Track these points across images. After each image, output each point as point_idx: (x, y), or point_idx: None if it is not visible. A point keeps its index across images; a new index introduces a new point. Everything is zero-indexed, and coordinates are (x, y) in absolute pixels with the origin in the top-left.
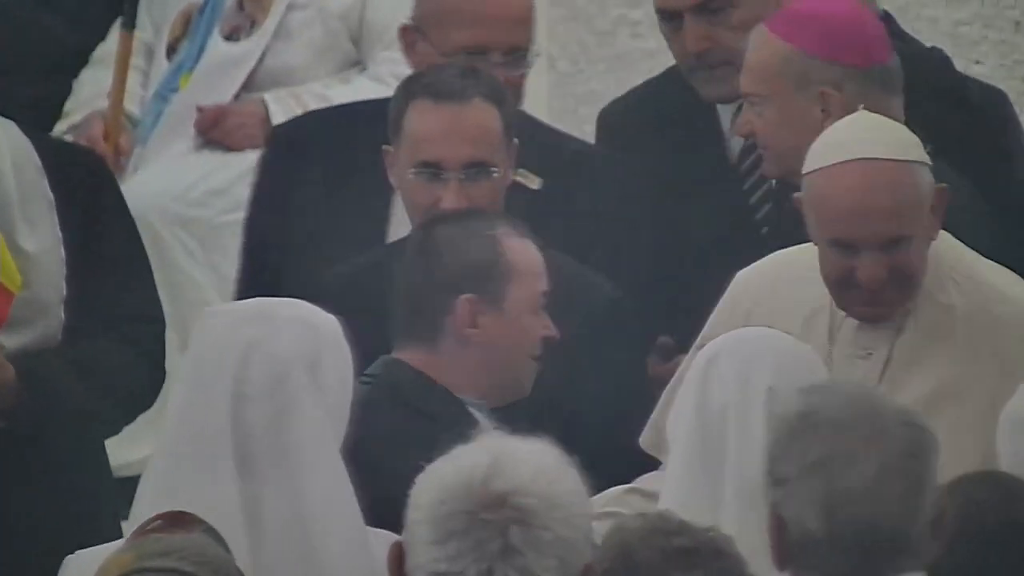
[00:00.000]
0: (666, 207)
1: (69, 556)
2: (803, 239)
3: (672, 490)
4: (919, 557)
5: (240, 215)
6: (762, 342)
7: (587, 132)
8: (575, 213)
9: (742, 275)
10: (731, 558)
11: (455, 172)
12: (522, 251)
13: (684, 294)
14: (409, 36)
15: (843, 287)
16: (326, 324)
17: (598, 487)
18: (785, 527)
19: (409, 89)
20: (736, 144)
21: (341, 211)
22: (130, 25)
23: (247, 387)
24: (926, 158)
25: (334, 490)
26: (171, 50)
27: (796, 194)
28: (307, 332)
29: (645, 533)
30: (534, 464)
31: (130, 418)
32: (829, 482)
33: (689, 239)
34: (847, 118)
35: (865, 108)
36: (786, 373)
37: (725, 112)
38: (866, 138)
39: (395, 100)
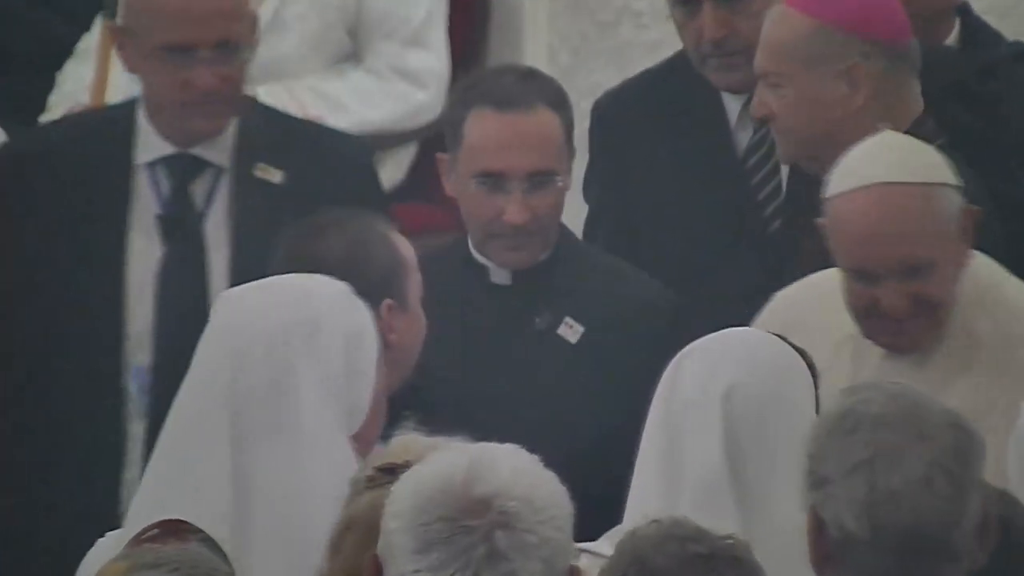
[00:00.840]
0: (666, 202)
1: (100, 539)
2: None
3: (636, 486)
4: (963, 564)
5: None
6: (734, 342)
7: None
8: (320, 204)
9: (780, 295)
10: (749, 566)
11: (518, 182)
12: (405, 244)
13: (689, 294)
14: (116, 37)
15: (866, 316)
16: (327, 292)
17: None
18: (825, 528)
19: (468, 96)
20: (744, 138)
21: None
22: (113, 15)
23: (245, 359)
24: (952, 179)
25: (331, 459)
26: None
27: (819, 220)
28: (303, 300)
29: (660, 539)
30: (512, 466)
31: None
32: (871, 483)
33: (692, 236)
34: (869, 140)
35: (888, 87)
36: (748, 372)
37: (732, 105)
38: (885, 161)
39: (453, 107)
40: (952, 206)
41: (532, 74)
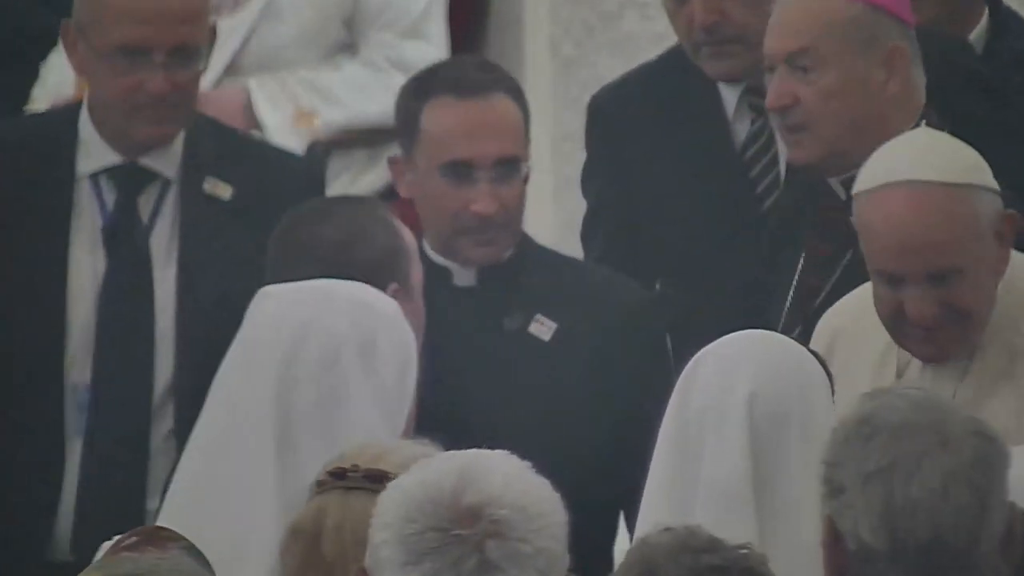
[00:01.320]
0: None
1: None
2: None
3: (650, 493)
4: (988, 571)
5: None
6: (748, 346)
7: None
8: (269, 222)
9: (833, 306)
10: None
11: (485, 171)
12: (407, 231)
13: (688, 287)
14: (69, 35)
15: (894, 323)
16: (385, 307)
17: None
18: (841, 540)
19: (422, 87)
20: (742, 129)
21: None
22: None
23: (297, 368)
24: (990, 182)
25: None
26: None
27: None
28: (364, 313)
29: (672, 549)
30: (504, 473)
31: None
32: (890, 492)
33: (691, 230)
34: (904, 135)
35: (914, 75)
36: (770, 379)
37: (729, 97)
38: (917, 158)
39: (404, 101)
40: (987, 209)
41: (486, 63)
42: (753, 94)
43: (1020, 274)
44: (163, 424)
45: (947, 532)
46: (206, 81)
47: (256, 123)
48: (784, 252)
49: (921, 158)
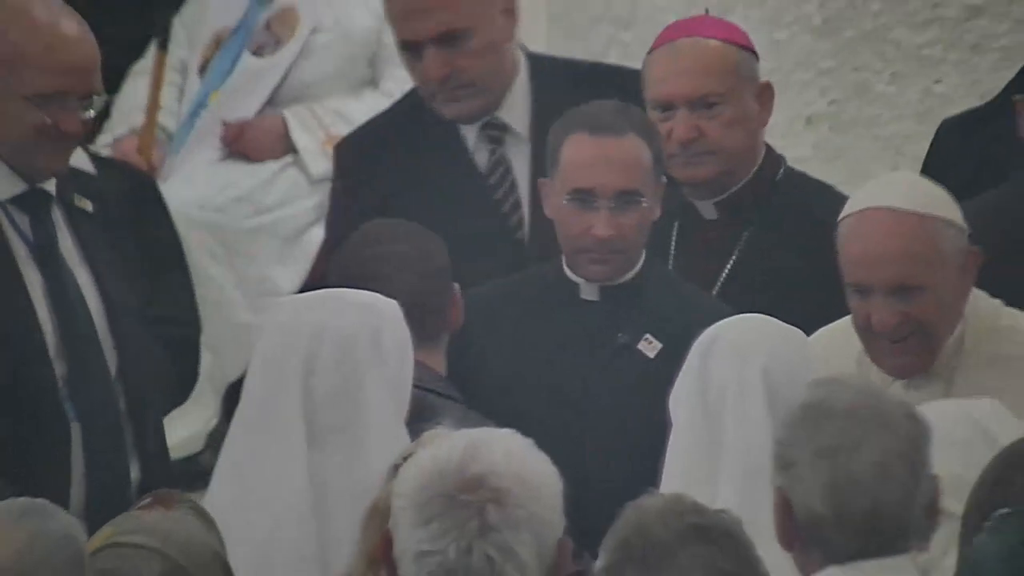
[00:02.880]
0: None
1: None
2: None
3: (673, 466)
4: (915, 539)
5: (260, 220)
6: (757, 327)
7: None
8: (123, 230)
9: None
10: (740, 539)
11: (606, 200)
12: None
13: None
14: None
15: (865, 336)
16: (386, 306)
17: None
18: (792, 509)
19: (567, 124)
20: (481, 159)
21: None
22: (164, 46)
23: (316, 363)
24: (958, 220)
25: (395, 450)
26: (202, 68)
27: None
28: (368, 311)
29: (661, 511)
30: (505, 448)
31: (164, 412)
32: (835, 467)
33: (451, 246)
34: (890, 175)
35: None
36: (779, 355)
37: (468, 133)
38: (897, 191)
39: (553, 134)
40: (951, 241)
41: (625, 106)
42: (490, 128)
43: (982, 303)
44: (121, 404)
45: (885, 502)
46: (250, 111)
47: (292, 146)
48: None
49: (900, 191)
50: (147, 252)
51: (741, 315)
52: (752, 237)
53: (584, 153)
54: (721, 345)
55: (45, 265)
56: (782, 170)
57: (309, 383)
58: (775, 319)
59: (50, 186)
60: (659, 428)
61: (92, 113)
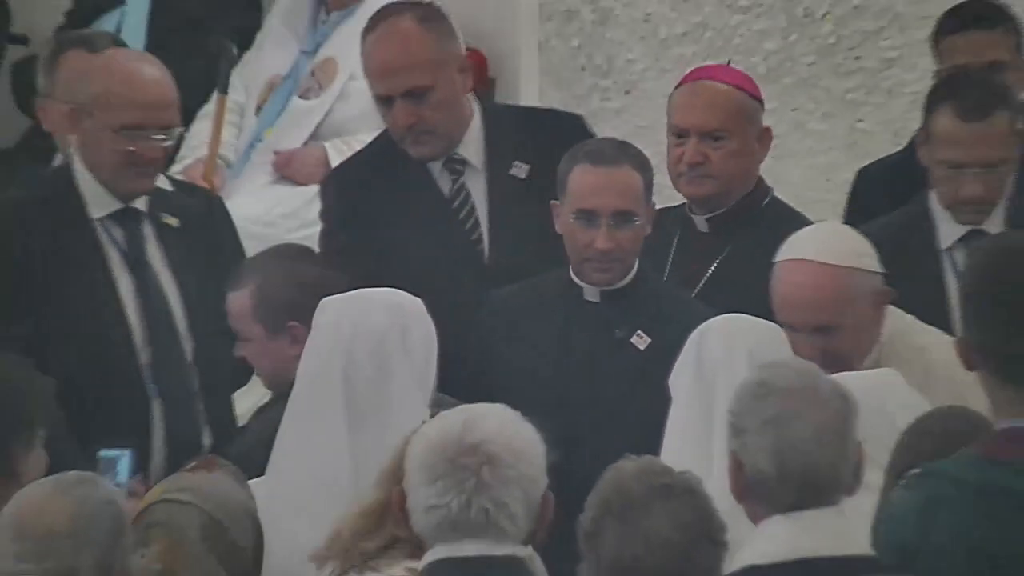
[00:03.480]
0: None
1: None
2: (520, 262)
3: (673, 432)
4: (843, 492)
5: (304, 233)
6: (743, 321)
7: None
8: (208, 246)
9: None
10: (700, 494)
11: (605, 219)
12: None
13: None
14: (74, 116)
15: None
16: (412, 304)
17: None
18: (743, 468)
19: (574, 156)
20: (445, 186)
21: None
22: (224, 90)
23: (354, 356)
24: (873, 267)
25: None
26: (258, 109)
27: None
28: (396, 310)
29: (635, 473)
30: (497, 420)
31: (231, 391)
32: (779, 435)
33: (415, 267)
34: (817, 225)
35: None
36: (761, 342)
37: (434, 165)
38: (816, 244)
39: (564, 163)
40: (863, 287)
41: (623, 143)
42: (452, 163)
43: (900, 323)
44: (195, 384)
45: (819, 463)
46: (297, 143)
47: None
48: (504, 279)
49: (821, 245)
50: (217, 258)
51: (729, 314)
52: (733, 250)
53: (587, 180)
54: (713, 334)
55: (134, 270)
56: (768, 199)
57: (348, 374)
58: (754, 317)
59: (141, 204)
60: (648, 407)
61: (171, 143)
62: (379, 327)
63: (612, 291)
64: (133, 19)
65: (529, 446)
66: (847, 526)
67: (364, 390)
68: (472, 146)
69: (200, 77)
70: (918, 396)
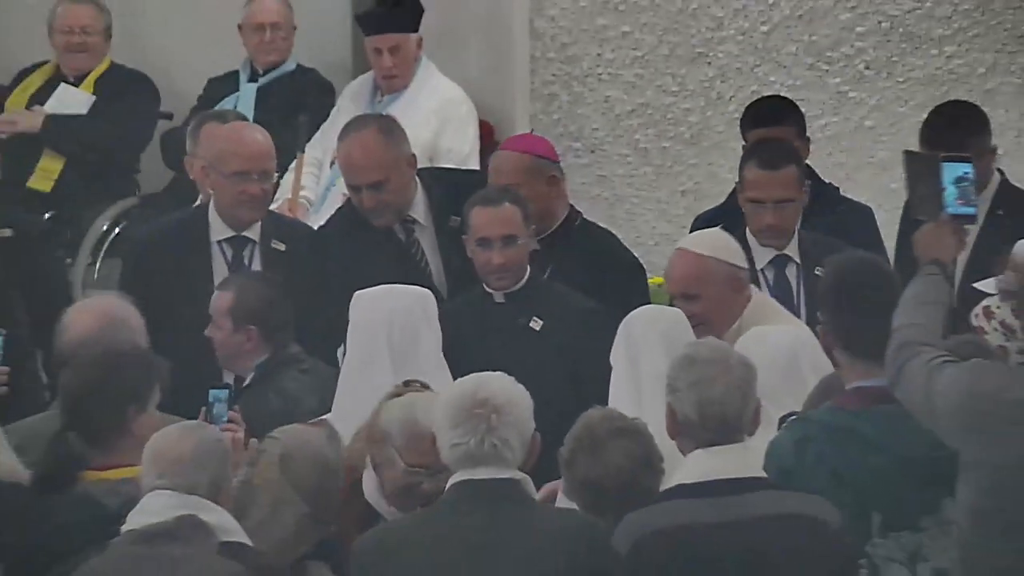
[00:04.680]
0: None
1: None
2: (468, 287)
3: (615, 395)
4: (747, 432)
5: None
6: (656, 310)
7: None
8: (303, 269)
9: None
10: (646, 434)
11: (497, 242)
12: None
13: None
14: (204, 170)
15: None
16: (422, 291)
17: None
18: (676, 415)
19: (472, 201)
20: (403, 237)
21: None
22: (302, 149)
23: (393, 327)
24: (730, 259)
25: (444, 380)
26: (332, 163)
27: None
28: (415, 294)
29: (600, 418)
30: (499, 382)
31: None
32: (700, 392)
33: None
34: (707, 230)
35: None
36: (671, 325)
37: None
38: (694, 239)
39: (466, 207)
40: (722, 272)
41: (505, 188)
42: (406, 222)
43: (767, 310)
44: None
45: (729, 413)
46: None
47: None
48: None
49: (697, 240)
50: (303, 274)
51: (645, 307)
52: (555, 267)
53: (481, 217)
54: (637, 321)
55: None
56: (578, 220)
57: (391, 338)
58: (671, 309)
59: (253, 233)
60: (543, 371)
61: (267, 186)
62: (407, 306)
63: (511, 293)
64: (244, 103)
65: (522, 399)
66: (748, 456)
67: (401, 349)
68: (419, 207)
69: (289, 142)
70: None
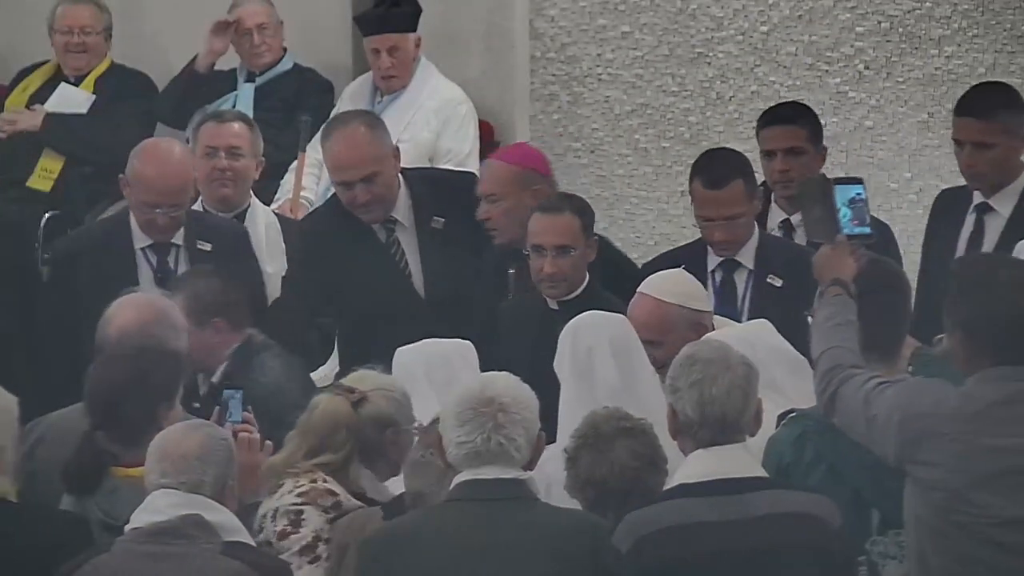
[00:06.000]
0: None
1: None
2: (447, 290)
3: (566, 402)
4: (748, 432)
5: None
6: (598, 316)
7: None
8: (231, 264)
9: None
10: (651, 434)
11: (550, 251)
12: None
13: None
14: (124, 185)
15: None
16: (464, 343)
17: None
18: (676, 414)
19: (536, 206)
20: (383, 237)
21: None
22: (303, 149)
23: (431, 365)
24: (692, 304)
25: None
26: None
27: None
28: (453, 344)
29: (606, 416)
30: (505, 381)
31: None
32: (701, 392)
33: (364, 295)
34: (666, 271)
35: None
36: (616, 331)
37: (375, 225)
38: (655, 284)
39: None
40: (681, 317)
41: (567, 194)
42: (387, 222)
43: (729, 332)
44: None
45: (729, 412)
46: None
47: None
48: (444, 318)
49: (658, 284)
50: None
51: (590, 312)
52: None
53: (538, 224)
54: (581, 329)
55: (162, 286)
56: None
57: (431, 377)
58: (615, 315)
59: (177, 237)
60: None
61: (176, 215)
62: (446, 351)
63: (565, 301)
64: (243, 102)
65: (528, 398)
66: (748, 456)
67: (441, 380)
68: (401, 208)
69: (290, 142)
70: (785, 342)
